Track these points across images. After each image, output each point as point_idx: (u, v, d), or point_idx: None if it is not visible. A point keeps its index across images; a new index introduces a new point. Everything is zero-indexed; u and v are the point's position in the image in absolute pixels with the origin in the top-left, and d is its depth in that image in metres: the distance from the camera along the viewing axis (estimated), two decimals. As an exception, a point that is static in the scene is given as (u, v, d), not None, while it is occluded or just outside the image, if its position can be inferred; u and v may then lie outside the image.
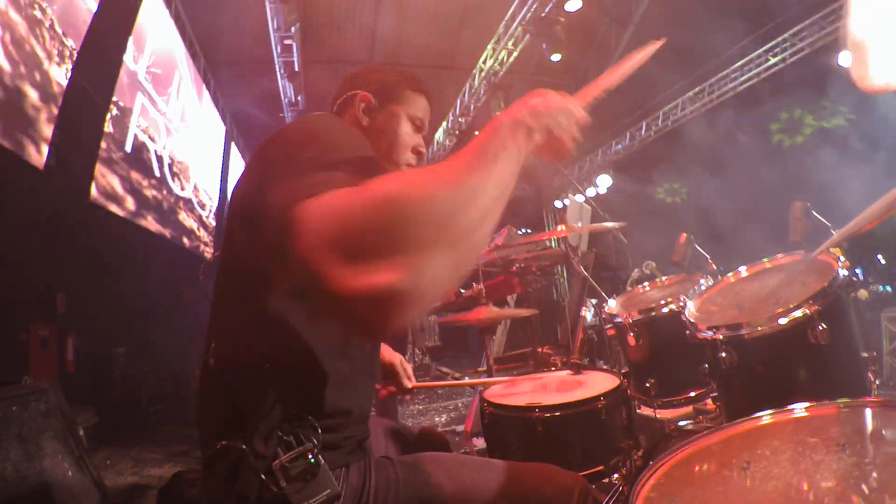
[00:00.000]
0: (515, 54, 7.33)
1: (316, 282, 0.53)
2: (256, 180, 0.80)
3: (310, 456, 0.81)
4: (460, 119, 8.92)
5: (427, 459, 0.98)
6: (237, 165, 9.78)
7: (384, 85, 1.13)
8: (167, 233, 6.06)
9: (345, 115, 1.12)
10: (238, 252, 0.87)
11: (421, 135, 1.19)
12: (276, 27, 6.22)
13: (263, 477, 0.79)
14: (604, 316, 2.12)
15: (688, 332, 1.49)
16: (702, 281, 1.95)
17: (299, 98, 7.37)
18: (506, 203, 0.61)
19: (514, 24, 6.90)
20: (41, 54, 3.55)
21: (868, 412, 0.84)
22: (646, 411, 1.94)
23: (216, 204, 8.37)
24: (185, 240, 6.74)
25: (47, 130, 3.63)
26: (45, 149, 3.59)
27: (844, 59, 6.50)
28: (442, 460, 0.98)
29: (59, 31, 3.79)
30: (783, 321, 1.27)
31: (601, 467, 1.41)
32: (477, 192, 0.57)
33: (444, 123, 9.49)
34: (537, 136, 0.67)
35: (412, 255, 0.52)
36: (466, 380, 3.20)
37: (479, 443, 2.53)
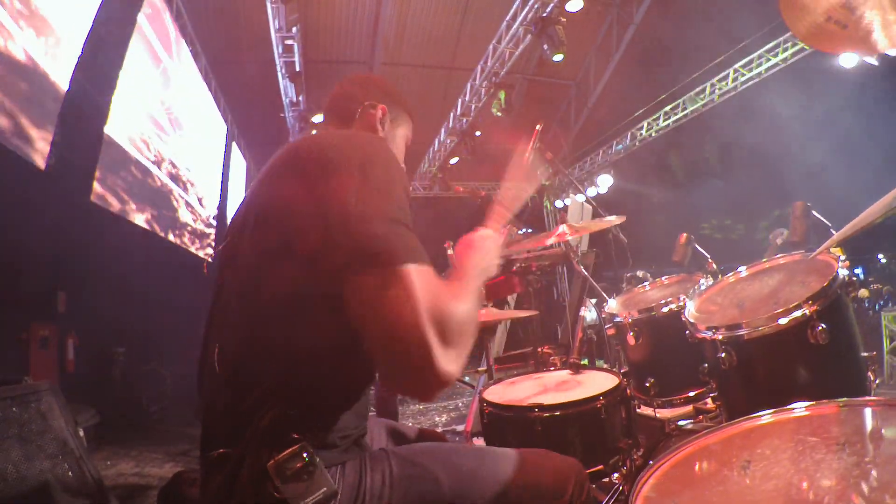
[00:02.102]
0: (516, 54, 7.32)
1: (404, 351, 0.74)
2: (311, 193, 0.84)
3: (305, 454, 0.80)
4: (461, 119, 8.92)
5: (422, 451, 0.98)
6: (238, 165, 9.78)
7: (394, 101, 1.24)
8: (168, 233, 6.06)
9: (362, 122, 1.20)
10: (268, 261, 0.87)
11: None
12: (277, 27, 6.22)
13: (260, 477, 0.79)
14: (603, 315, 2.12)
15: (687, 331, 1.49)
16: (702, 281, 1.95)
17: (300, 98, 7.37)
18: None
19: (516, 25, 6.90)
20: (41, 54, 3.55)
21: (868, 411, 0.84)
22: (645, 411, 1.94)
23: (217, 204, 8.37)
24: (186, 240, 6.75)
25: (48, 130, 3.63)
26: (45, 149, 3.59)
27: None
28: (437, 451, 0.98)
29: (60, 31, 3.79)
30: (783, 321, 1.27)
31: (601, 466, 1.41)
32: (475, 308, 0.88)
33: (446, 123, 9.48)
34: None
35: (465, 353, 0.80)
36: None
37: (479, 442, 2.53)
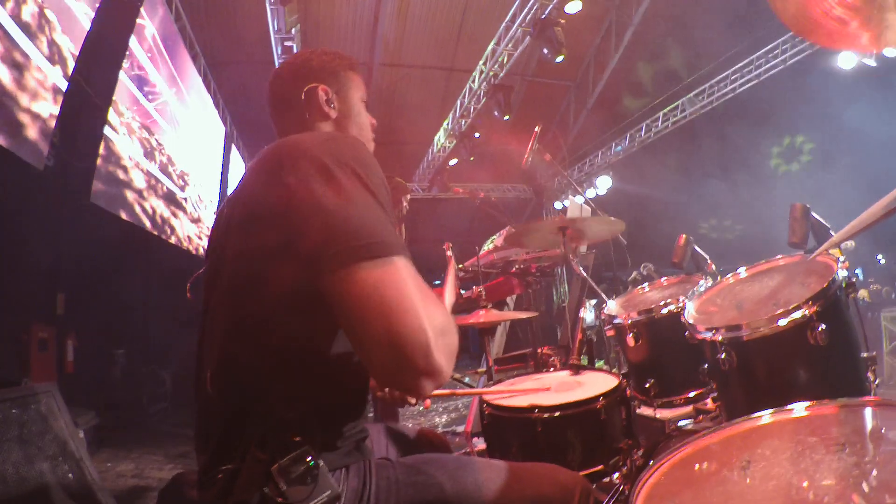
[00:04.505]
0: (516, 56, 7.33)
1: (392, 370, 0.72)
2: (279, 198, 0.80)
3: (308, 458, 0.80)
4: (461, 120, 8.92)
5: (427, 461, 0.98)
6: (237, 167, 9.77)
7: (333, 72, 1.14)
8: (167, 234, 6.06)
9: (312, 114, 1.11)
10: (247, 266, 0.86)
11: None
12: (276, 28, 6.22)
13: (262, 480, 0.79)
14: (603, 317, 2.12)
15: (687, 333, 1.49)
16: (701, 282, 1.96)
17: (299, 99, 7.36)
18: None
19: (515, 26, 6.90)
20: (41, 55, 3.55)
21: (868, 411, 0.84)
22: (646, 411, 1.94)
23: (216, 206, 8.37)
24: (185, 241, 6.74)
25: (47, 131, 3.63)
26: (44, 149, 3.59)
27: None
28: (442, 461, 0.98)
29: (60, 31, 3.79)
30: (783, 322, 1.27)
31: (601, 467, 1.41)
32: None
33: (445, 124, 9.48)
34: None
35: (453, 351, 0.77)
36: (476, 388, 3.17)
37: (480, 443, 2.53)
